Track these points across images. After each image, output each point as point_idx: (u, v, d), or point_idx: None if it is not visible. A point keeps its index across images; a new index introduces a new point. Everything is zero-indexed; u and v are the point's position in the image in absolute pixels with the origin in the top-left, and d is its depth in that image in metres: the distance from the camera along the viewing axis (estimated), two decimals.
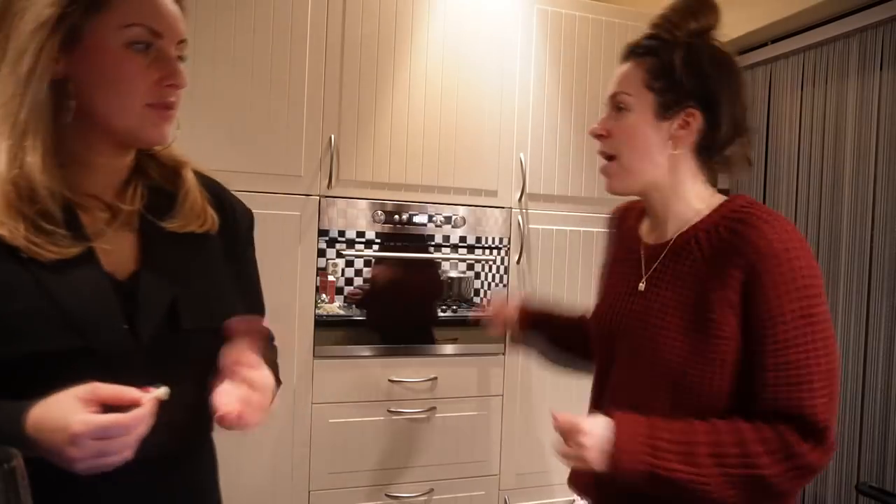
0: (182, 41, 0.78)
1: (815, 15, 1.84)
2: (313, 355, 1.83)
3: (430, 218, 1.95)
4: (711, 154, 0.96)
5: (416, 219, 1.94)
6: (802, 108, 1.98)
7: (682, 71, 0.92)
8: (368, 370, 1.89)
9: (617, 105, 0.97)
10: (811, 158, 1.95)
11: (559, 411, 0.89)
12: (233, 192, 0.95)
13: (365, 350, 1.89)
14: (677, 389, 0.91)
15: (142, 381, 0.67)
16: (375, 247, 1.89)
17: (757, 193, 2.11)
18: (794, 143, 2.00)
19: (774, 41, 2.03)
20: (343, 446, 1.86)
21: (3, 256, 0.68)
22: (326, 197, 1.84)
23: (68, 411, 0.61)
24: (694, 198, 0.97)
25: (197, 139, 1.71)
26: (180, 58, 0.78)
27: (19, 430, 0.61)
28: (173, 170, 0.85)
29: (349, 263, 1.87)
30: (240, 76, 1.75)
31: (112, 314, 0.72)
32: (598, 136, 1.00)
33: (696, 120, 0.93)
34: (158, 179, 0.83)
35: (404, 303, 1.99)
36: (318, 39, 1.82)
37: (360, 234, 1.88)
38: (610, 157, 0.99)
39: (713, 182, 1.02)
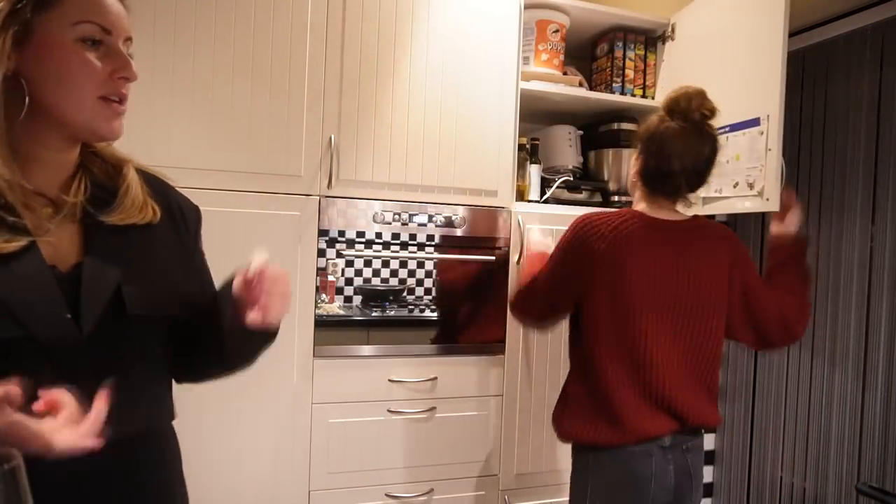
0: (129, 39, 0.81)
1: (816, 15, 1.84)
2: (313, 355, 1.82)
3: (430, 218, 1.95)
4: (647, 184, 1.45)
5: (416, 219, 1.93)
6: (803, 108, 1.98)
7: (636, 135, 1.49)
8: (368, 370, 1.89)
9: None
10: (811, 158, 1.95)
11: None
12: (179, 190, 0.96)
13: (365, 350, 1.89)
14: None
15: (88, 370, 0.67)
16: (376, 247, 1.90)
17: None
18: (794, 143, 2.00)
19: None
20: (343, 446, 1.86)
21: None
22: (326, 197, 1.84)
23: None
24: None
25: (197, 139, 1.72)
26: (129, 55, 0.81)
27: None
28: (115, 167, 0.86)
29: (349, 263, 1.87)
30: (240, 76, 1.75)
31: (54, 303, 0.73)
32: None
33: (638, 162, 1.47)
34: (100, 176, 0.85)
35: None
36: (318, 39, 1.82)
37: (360, 234, 1.88)
38: None
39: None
